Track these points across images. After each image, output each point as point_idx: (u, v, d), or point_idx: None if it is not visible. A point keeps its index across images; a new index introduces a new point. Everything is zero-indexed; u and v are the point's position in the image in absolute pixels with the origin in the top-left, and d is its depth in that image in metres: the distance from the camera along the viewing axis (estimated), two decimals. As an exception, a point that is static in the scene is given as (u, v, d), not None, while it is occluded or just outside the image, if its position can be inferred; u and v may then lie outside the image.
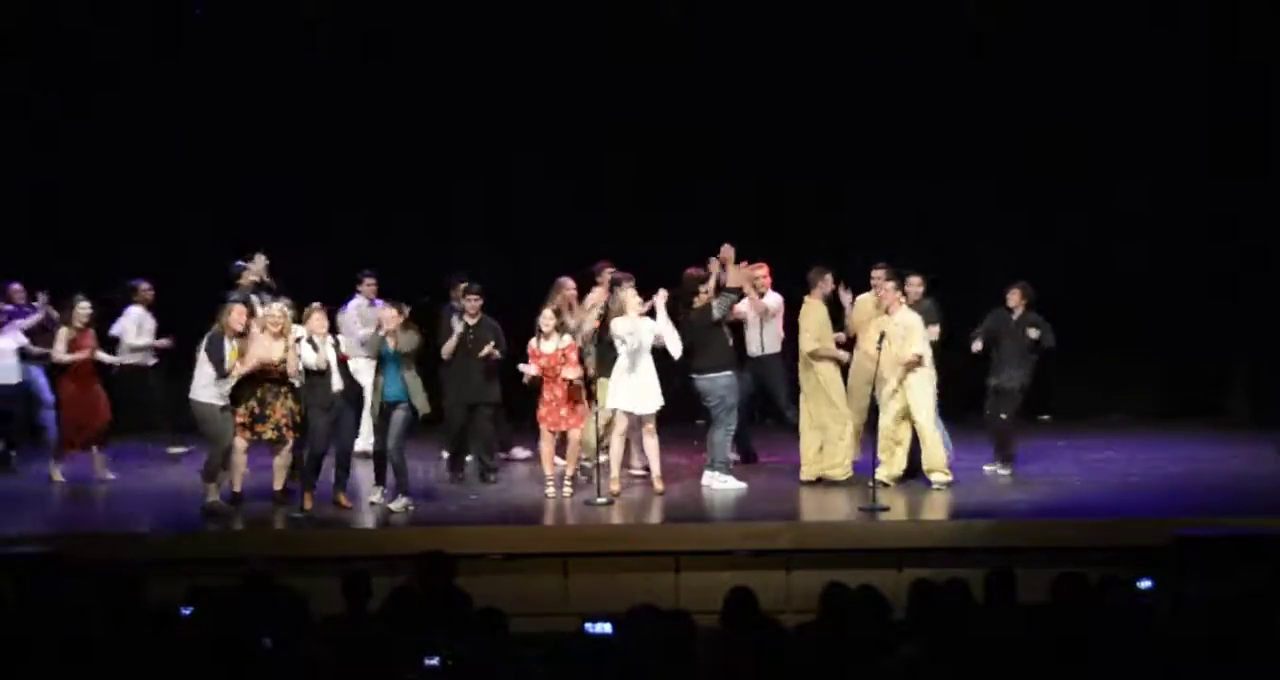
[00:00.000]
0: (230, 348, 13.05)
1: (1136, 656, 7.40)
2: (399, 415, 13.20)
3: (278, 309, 13.24)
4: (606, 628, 7.86)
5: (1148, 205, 17.55)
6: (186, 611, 8.24)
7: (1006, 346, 14.26)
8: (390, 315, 13.29)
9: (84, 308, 14.48)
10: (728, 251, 14.15)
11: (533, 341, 13.68)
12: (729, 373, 13.90)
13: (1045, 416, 17.64)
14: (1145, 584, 8.96)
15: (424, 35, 17.51)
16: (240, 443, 13.14)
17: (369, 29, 17.51)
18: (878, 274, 14.10)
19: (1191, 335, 17.48)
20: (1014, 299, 14.30)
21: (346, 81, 17.48)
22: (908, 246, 15.76)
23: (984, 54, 17.23)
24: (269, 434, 13.10)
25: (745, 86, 17.46)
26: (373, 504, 13.39)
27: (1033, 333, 14.16)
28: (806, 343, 13.99)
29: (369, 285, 15.64)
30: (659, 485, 13.73)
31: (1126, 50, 17.23)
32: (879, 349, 13.47)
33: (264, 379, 13.04)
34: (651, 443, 13.72)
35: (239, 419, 13.08)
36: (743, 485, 13.86)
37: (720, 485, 13.82)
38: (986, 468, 14.41)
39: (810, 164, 17.53)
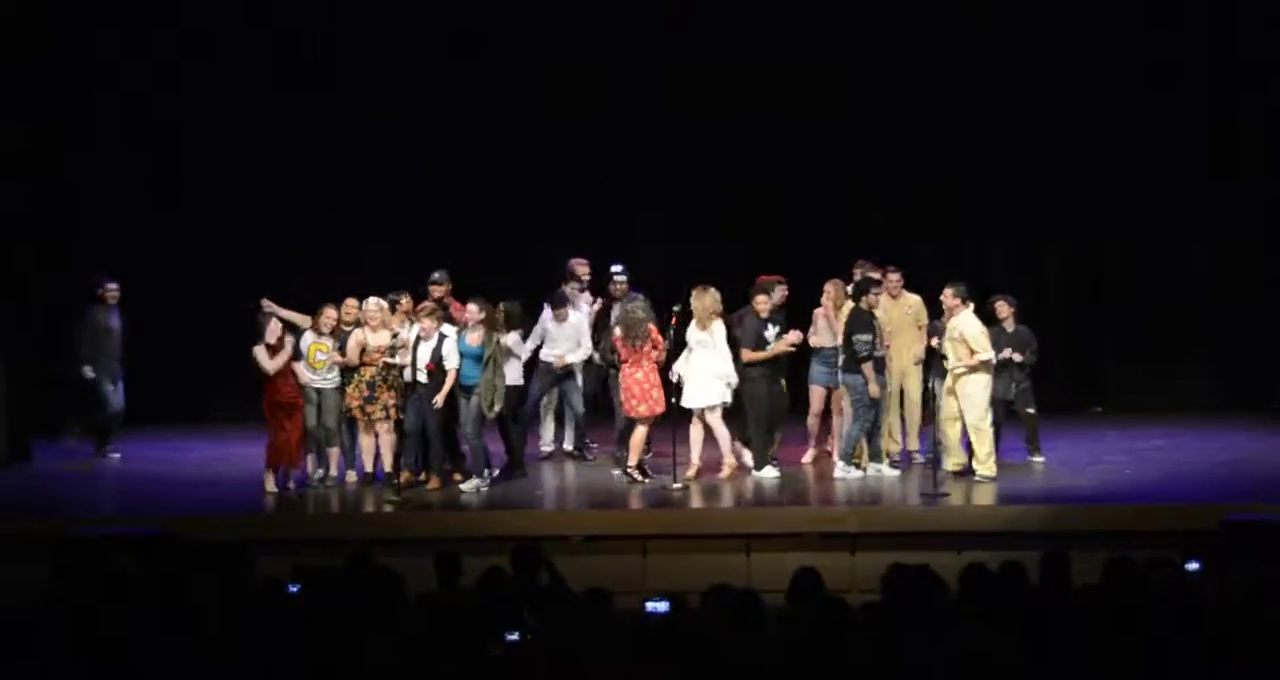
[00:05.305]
0: (312, 342, 13.80)
1: (1184, 634, 7.44)
2: (474, 400, 13.65)
3: (375, 303, 13.84)
4: (663, 606, 7.94)
5: (1205, 201, 17.59)
6: (294, 589, 8.55)
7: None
8: (472, 309, 13.72)
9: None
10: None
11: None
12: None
13: (1098, 408, 17.78)
14: (1193, 566, 9.03)
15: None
16: (366, 426, 13.84)
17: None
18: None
19: (1242, 328, 17.42)
20: (1003, 311, 14.28)
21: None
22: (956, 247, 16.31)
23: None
24: (377, 414, 13.78)
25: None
26: (455, 482, 13.83)
27: (1015, 356, 14.17)
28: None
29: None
30: (689, 472, 13.91)
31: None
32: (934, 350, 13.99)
33: (370, 365, 13.75)
34: (695, 432, 13.95)
35: (351, 400, 13.79)
36: (859, 473, 13.92)
37: (842, 474, 13.88)
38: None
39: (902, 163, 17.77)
